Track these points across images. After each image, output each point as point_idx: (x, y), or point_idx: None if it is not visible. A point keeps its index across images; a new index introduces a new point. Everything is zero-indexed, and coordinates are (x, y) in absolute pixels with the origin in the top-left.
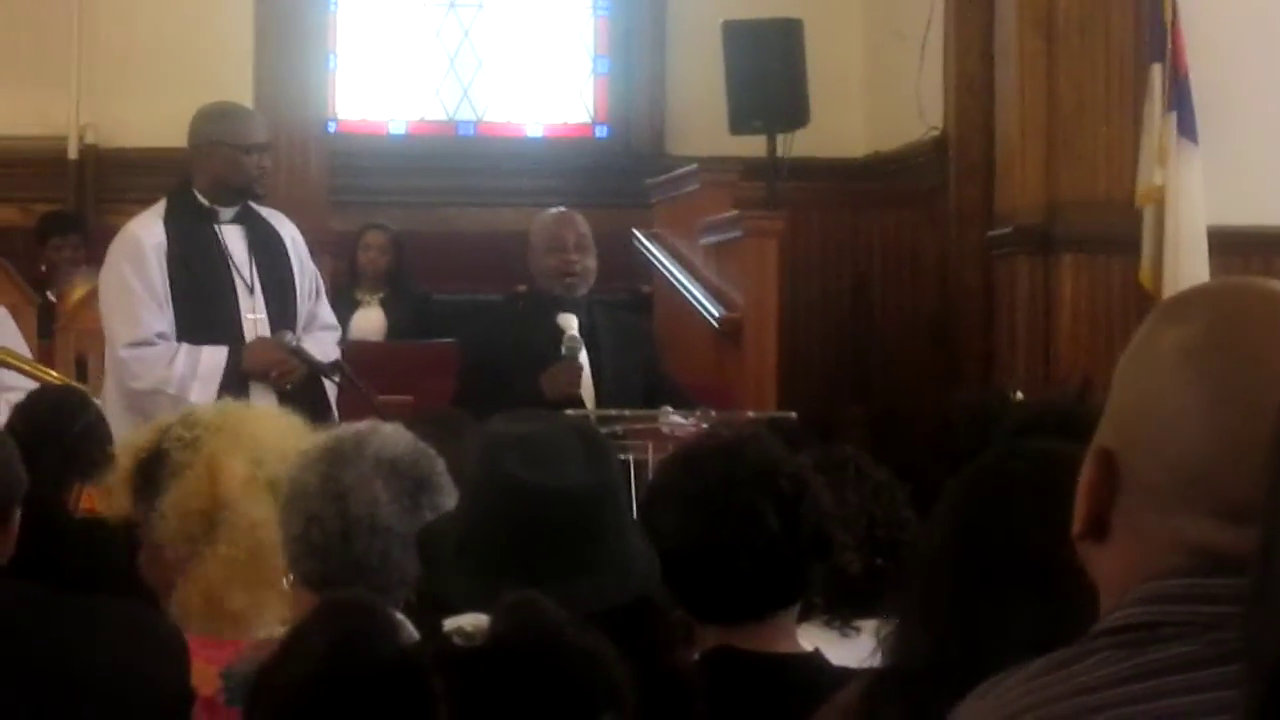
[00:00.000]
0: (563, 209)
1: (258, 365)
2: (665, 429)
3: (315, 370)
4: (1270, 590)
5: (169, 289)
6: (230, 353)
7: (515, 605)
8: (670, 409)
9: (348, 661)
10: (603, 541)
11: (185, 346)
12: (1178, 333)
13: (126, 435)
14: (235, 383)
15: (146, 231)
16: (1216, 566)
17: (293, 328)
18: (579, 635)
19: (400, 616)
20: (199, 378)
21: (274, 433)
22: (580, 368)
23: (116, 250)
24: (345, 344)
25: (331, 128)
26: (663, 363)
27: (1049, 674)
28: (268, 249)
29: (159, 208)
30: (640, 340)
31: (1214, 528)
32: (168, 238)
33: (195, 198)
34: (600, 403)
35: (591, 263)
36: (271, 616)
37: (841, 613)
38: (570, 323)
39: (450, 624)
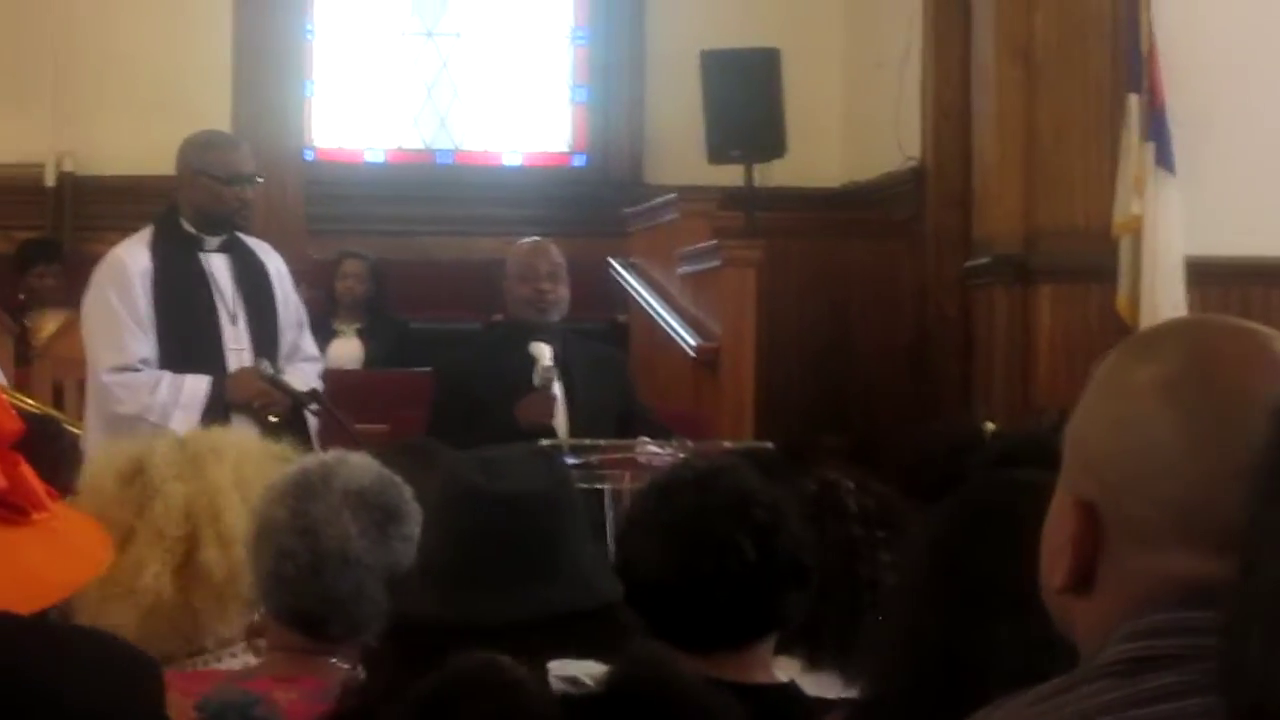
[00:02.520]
0: (537, 238)
1: (241, 395)
2: (642, 459)
3: (292, 400)
4: (1245, 626)
5: (154, 315)
6: (213, 382)
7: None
8: (647, 439)
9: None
10: (560, 549)
11: (168, 375)
12: (1152, 371)
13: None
14: (219, 412)
15: (132, 257)
16: (1212, 599)
17: (275, 359)
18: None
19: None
20: (181, 406)
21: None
22: (554, 398)
23: (102, 275)
24: (323, 373)
25: (309, 156)
26: (637, 393)
27: (1046, 700)
28: (252, 279)
29: (145, 234)
30: (614, 370)
31: (1210, 561)
32: (154, 264)
33: (181, 225)
34: (574, 432)
35: (564, 291)
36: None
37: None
38: (544, 353)
39: (557, 670)
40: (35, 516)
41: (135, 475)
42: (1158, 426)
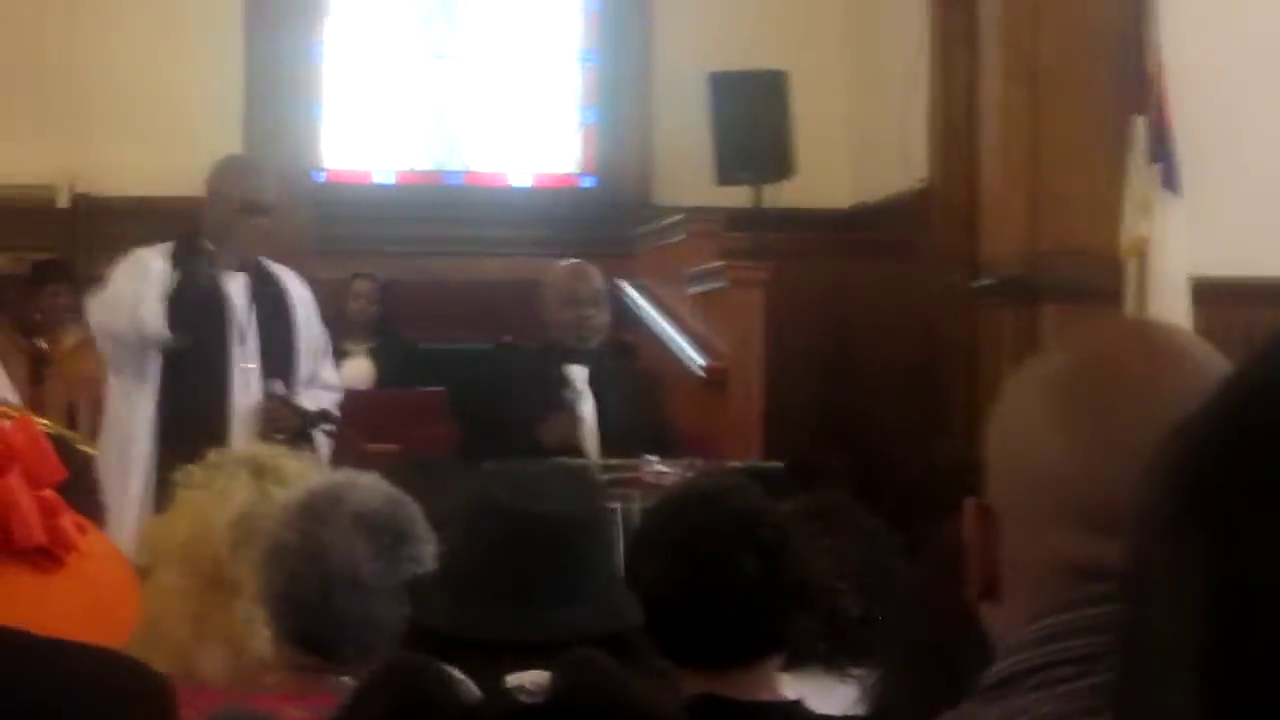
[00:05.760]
0: (576, 261)
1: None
2: (649, 478)
3: (302, 419)
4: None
5: (164, 318)
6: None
7: (576, 661)
8: (655, 458)
9: None
10: (585, 573)
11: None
12: (1036, 369)
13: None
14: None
15: (153, 258)
16: (1091, 596)
17: (290, 382)
18: (640, 691)
19: (460, 675)
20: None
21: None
22: (580, 418)
23: (122, 264)
24: (340, 402)
25: (319, 177)
26: (668, 413)
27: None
28: (270, 302)
29: (167, 246)
30: (647, 392)
31: (1088, 540)
32: (171, 277)
33: (202, 243)
34: (604, 451)
35: (605, 317)
36: None
37: (838, 660)
38: (578, 374)
39: (512, 680)
40: (68, 560)
41: (245, 522)
42: (1034, 416)
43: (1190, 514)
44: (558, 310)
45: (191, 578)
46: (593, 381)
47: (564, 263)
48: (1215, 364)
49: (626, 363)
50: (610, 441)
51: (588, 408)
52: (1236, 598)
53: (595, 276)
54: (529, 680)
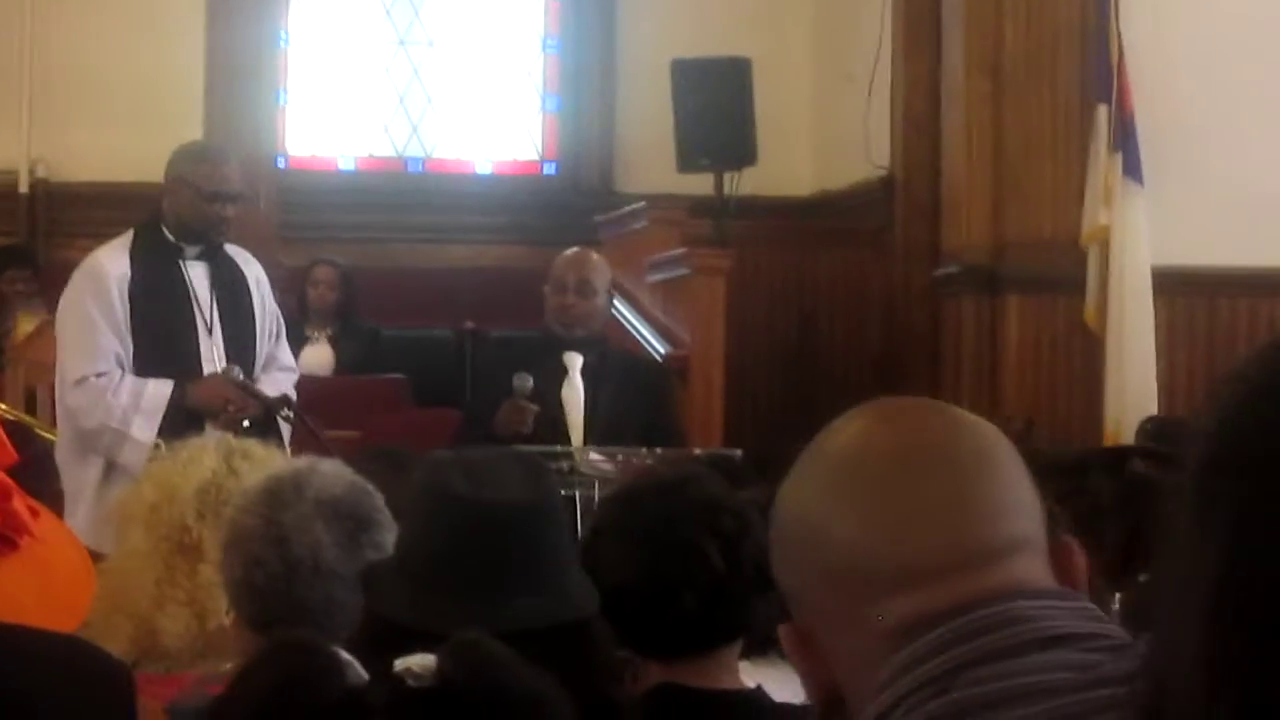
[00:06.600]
0: (578, 249)
1: (205, 402)
2: (585, 469)
3: (263, 406)
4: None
5: (129, 322)
6: (175, 387)
7: (462, 645)
8: (592, 449)
9: (292, 702)
10: (539, 561)
11: (130, 378)
12: (804, 479)
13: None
14: (182, 418)
15: (112, 263)
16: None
17: (251, 368)
18: (527, 676)
19: (347, 656)
20: (141, 411)
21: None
22: (530, 408)
23: (80, 279)
24: (296, 382)
25: (282, 163)
26: (670, 408)
27: None
28: (231, 288)
29: (126, 239)
30: (645, 383)
31: (896, 602)
32: (132, 271)
33: (162, 232)
34: (590, 440)
35: (593, 305)
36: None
37: None
38: (575, 362)
39: (400, 664)
40: (21, 543)
41: (212, 491)
42: (813, 512)
43: (1222, 470)
44: (548, 295)
45: (156, 541)
46: (589, 370)
47: (570, 249)
48: (981, 425)
49: (634, 358)
50: (597, 432)
51: (578, 396)
52: (1252, 544)
53: (586, 265)
54: (416, 664)
